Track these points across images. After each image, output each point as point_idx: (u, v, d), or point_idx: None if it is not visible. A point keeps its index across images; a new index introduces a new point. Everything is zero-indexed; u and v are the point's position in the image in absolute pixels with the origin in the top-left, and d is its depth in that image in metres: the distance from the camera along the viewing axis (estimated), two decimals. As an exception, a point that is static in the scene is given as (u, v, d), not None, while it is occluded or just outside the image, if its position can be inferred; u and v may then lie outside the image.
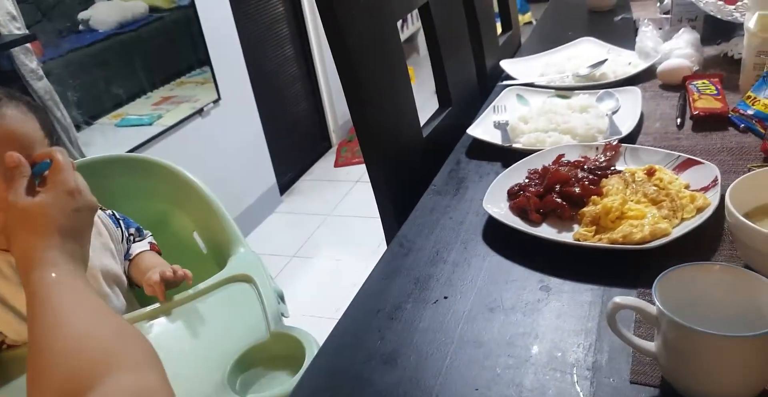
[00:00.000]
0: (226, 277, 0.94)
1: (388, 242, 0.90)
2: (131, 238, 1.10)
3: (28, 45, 1.70)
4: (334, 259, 2.56)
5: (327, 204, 2.97)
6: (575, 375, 0.59)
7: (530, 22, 4.70)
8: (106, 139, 2.02)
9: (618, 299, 0.56)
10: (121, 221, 1.08)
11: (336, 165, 3.37)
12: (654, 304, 0.54)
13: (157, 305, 0.92)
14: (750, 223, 0.63)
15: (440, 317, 0.69)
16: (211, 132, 2.49)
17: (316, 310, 2.11)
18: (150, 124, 2.19)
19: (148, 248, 1.09)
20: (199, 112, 2.39)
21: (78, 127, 1.90)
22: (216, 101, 2.48)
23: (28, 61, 1.71)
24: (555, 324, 0.66)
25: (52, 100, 1.80)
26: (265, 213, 2.91)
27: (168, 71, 2.28)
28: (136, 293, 1.09)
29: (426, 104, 1.42)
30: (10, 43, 1.64)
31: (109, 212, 1.08)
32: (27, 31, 1.71)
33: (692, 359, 0.53)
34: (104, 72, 2.01)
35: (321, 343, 0.70)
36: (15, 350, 0.91)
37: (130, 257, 1.07)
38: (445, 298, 0.73)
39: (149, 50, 2.19)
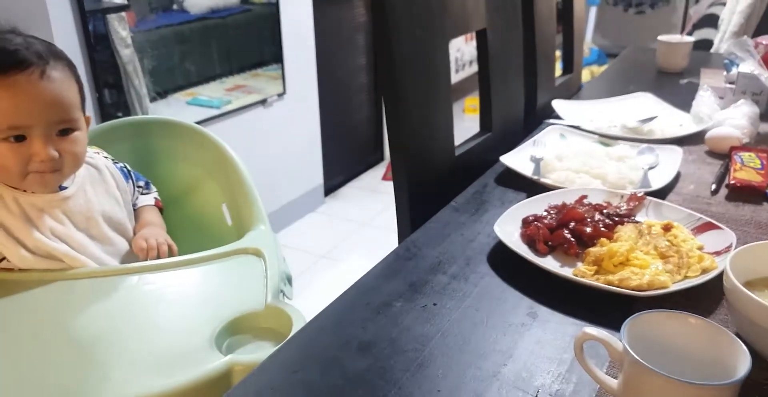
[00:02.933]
0: (237, 248, 0.98)
1: (399, 248, 0.93)
2: (139, 190, 1.17)
3: (123, 14, 1.85)
4: (360, 267, 2.58)
5: (367, 213, 3.02)
6: (536, 397, 0.61)
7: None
8: (174, 112, 2.12)
9: (588, 329, 0.58)
10: (131, 173, 1.15)
11: (384, 178, 3.42)
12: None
13: (164, 260, 0.97)
14: (742, 287, 0.64)
15: (424, 321, 0.72)
16: (270, 123, 2.58)
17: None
18: (218, 108, 2.29)
19: (152, 203, 1.16)
20: (263, 102, 2.49)
21: (152, 98, 2.02)
22: (281, 95, 2.58)
23: (120, 28, 1.85)
24: (531, 348, 0.68)
25: (134, 68, 1.92)
26: (305, 210, 2.98)
27: (246, 61, 2.38)
28: None
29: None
30: (108, 9, 1.81)
31: (120, 164, 1.13)
32: (126, 1, 1.86)
33: (647, 400, 0.54)
34: (186, 51, 2.12)
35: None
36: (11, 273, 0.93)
37: (135, 208, 1.14)
38: (434, 305, 0.75)
39: (232, 38, 2.29)
